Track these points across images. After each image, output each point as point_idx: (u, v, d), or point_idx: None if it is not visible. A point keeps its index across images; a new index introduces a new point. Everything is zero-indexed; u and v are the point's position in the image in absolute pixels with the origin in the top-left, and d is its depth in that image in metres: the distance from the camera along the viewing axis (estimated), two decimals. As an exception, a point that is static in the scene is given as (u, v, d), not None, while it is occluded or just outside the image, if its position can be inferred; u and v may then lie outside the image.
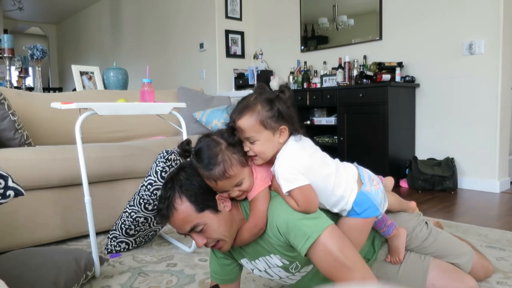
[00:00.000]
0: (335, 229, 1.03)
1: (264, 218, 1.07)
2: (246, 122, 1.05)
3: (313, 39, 4.49)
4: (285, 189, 1.04)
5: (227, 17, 4.95)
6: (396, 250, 1.27)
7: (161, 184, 1.70)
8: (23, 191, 1.24)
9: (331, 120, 3.88)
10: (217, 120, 3.04)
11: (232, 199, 1.13)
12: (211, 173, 1.05)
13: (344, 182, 1.11)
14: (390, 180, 1.38)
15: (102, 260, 1.64)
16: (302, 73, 4.31)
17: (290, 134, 1.09)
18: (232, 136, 1.08)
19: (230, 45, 5.00)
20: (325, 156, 1.15)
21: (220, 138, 1.09)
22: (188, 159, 1.13)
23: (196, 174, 1.09)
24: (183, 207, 1.05)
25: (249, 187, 1.10)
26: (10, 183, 1.20)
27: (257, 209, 1.09)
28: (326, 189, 1.09)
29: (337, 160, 1.18)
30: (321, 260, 1.01)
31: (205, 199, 1.07)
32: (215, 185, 1.07)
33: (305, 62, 4.41)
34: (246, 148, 1.08)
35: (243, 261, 1.24)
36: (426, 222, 1.38)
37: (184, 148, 1.11)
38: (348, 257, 1.00)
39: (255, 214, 1.08)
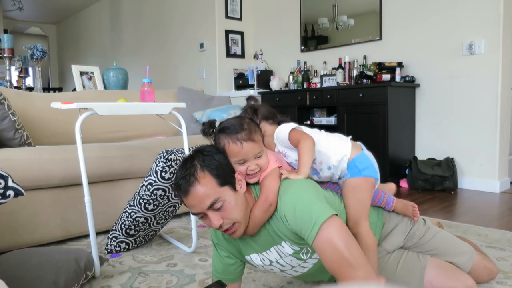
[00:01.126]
0: (343, 224, 1.04)
1: (274, 193, 1.10)
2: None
3: (313, 39, 4.49)
4: (287, 131, 1.20)
5: (227, 17, 4.95)
6: (405, 207, 1.35)
7: (161, 184, 1.71)
8: (23, 191, 1.24)
9: (331, 120, 3.88)
10: (217, 120, 3.04)
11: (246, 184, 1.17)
12: (238, 135, 1.11)
13: (337, 138, 1.28)
14: (391, 186, 1.48)
15: (102, 260, 1.64)
16: (302, 73, 4.31)
17: (278, 124, 1.27)
18: (255, 115, 1.21)
19: (230, 45, 5.00)
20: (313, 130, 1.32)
21: (242, 115, 1.21)
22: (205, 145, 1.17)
23: (215, 152, 1.11)
24: (206, 179, 1.06)
25: (265, 164, 1.15)
26: (10, 183, 1.20)
27: (267, 185, 1.12)
28: (319, 145, 1.23)
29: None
30: (327, 255, 1.01)
31: (226, 175, 1.09)
32: (240, 148, 1.10)
33: (305, 62, 4.41)
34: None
35: (253, 256, 1.23)
36: (423, 220, 1.39)
37: (210, 124, 1.19)
38: (353, 254, 0.99)
39: (265, 189, 1.12)
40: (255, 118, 1.22)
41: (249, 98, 1.34)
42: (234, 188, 1.10)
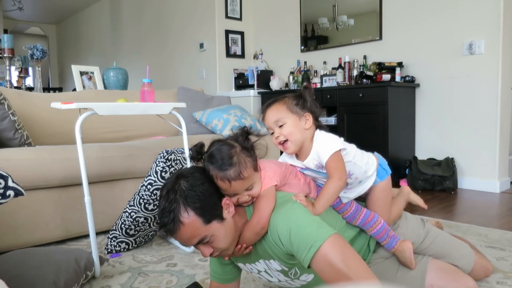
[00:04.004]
0: (338, 238, 1.00)
1: (267, 216, 1.06)
2: (275, 108, 1.18)
3: (313, 39, 4.49)
4: (331, 151, 1.15)
5: (227, 17, 4.95)
6: (405, 264, 1.27)
7: (161, 184, 1.71)
8: (23, 191, 1.24)
9: (331, 120, 3.88)
10: (217, 120, 3.04)
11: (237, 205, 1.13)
12: (226, 173, 1.05)
13: (366, 154, 1.29)
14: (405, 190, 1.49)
15: (102, 260, 1.64)
16: (302, 73, 4.31)
17: (316, 127, 1.23)
18: (247, 140, 1.12)
19: (230, 45, 5.00)
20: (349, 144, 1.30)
21: (234, 141, 1.11)
22: (191, 166, 1.12)
23: (199, 183, 1.05)
24: (190, 220, 1.01)
25: (257, 193, 1.11)
26: (10, 183, 1.20)
27: (260, 206, 1.08)
28: (356, 161, 1.24)
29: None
30: (324, 272, 0.97)
31: (211, 209, 1.04)
32: (229, 186, 1.06)
33: (305, 62, 4.41)
34: (276, 135, 1.17)
35: (240, 265, 1.24)
36: (422, 222, 1.38)
37: (198, 150, 1.11)
38: (350, 268, 0.95)
39: (258, 212, 1.08)
40: (247, 143, 1.11)
41: (306, 86, 1.25)
42: (222, 218, 1.05)
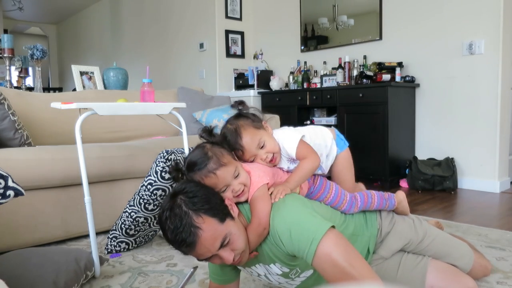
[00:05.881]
0: (339, 236, 1.00)
1: (266, 216, 1.07)
2: (246, 134, 1.18)
3: (313, 39, 4.49)
4: (295, 143, 1.19)
5: (227, 17, 4.95)
6: (403, 212, 1.38)
7: (161, 184, 1.71)
8: (23, 191, 1.24)
9: (331, 120, 3.88)
10: (217, 120, 3.04)
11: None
12: (208, 167, 1.08)
13: (319, 127, 1.37)
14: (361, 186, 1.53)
15: (102, 260, 1.64)
16: (302, 73, 4.31)
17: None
18: (212, 136, 1.17)
19: (230, 45, 5.00)
20: (299, 128, 1.35)
21: (202, 143, 1.15)
22: (177, 184, 1.12)
23: (198, 189, 1.05)
24: (207, 223, 0.99)
25: (247, 180, 1.12)
26: (10, 183, 1.20)
27: (257, 207, 1.09)
28: (314, 140, 1.29)
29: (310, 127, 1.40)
30: (328, 272, 0.98)
31: (220, 207, 1.04)
32: (217, 179, 1.07)
33: (305, 62, 4.41)
34: (263, 156, 1.18)
35: (240, 267, 1.24)
36: (420, 221, 1.38)
37: (176, 168, 1.14)
38: (354, 266, 0.96)
39: (257, 213, 1.08)
40: (214, 138, 1.16)
41: (239, 102, 1.27)
42: (232, 216, 1.06)
